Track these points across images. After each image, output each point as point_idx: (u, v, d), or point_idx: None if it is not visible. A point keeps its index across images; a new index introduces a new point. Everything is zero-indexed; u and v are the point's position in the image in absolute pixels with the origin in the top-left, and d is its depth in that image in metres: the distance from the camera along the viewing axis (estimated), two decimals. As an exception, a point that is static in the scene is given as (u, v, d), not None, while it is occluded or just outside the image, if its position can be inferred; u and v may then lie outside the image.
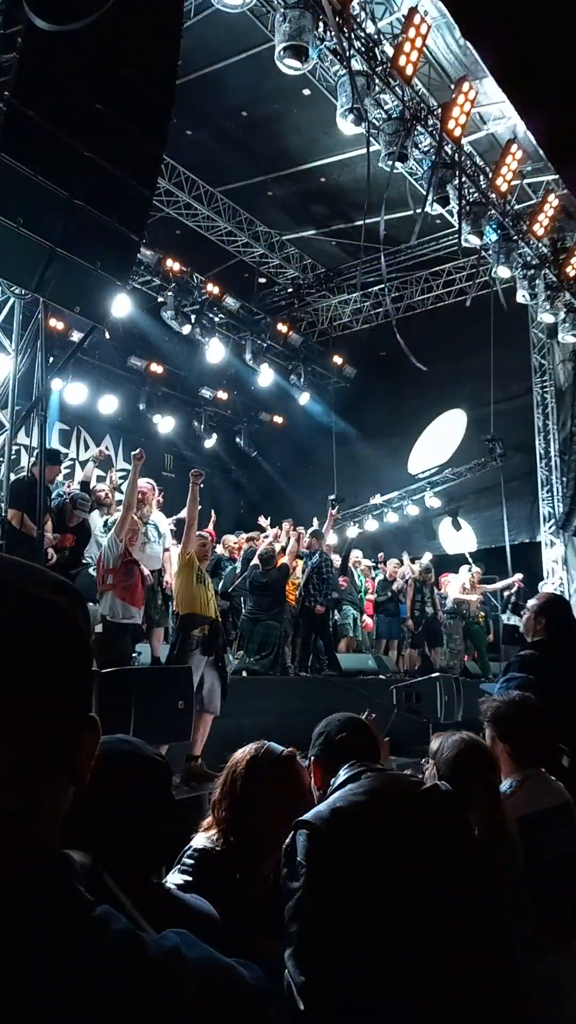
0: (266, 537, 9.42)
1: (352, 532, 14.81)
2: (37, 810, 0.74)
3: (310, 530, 10.26)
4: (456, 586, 11.75)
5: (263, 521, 11.00)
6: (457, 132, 9.67)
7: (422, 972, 1.64)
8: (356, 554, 12.00)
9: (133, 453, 6.35)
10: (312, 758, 2.01)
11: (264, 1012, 0.78)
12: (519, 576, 12.33)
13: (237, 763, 2.12)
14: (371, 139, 9.41)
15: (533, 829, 2.32)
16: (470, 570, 11.96)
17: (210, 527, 9.41)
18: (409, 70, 8.85)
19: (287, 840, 1.73)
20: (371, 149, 9.63)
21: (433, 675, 6.87)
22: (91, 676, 0.82)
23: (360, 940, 1.61)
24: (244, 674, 8.18)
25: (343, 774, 1.87)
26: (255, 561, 8.71)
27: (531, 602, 3.90)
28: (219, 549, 10.18)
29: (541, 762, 2.49)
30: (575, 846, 2.40)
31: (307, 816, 1.73)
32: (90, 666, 0.82)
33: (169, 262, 12.87)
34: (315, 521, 11.13)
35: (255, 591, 8.56)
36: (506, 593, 12.45)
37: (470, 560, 12.66)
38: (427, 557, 12.16)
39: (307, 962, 1.59)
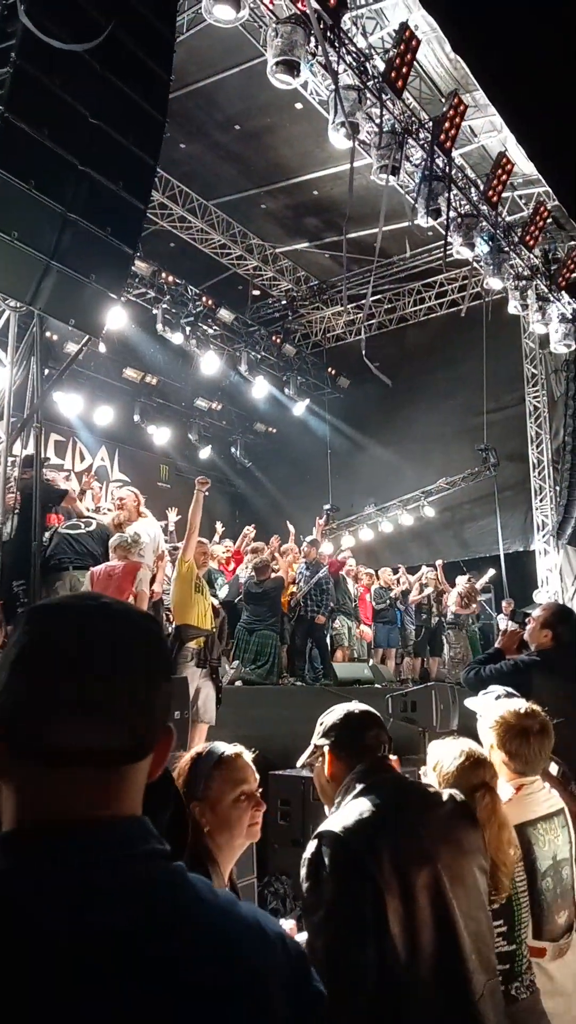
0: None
1: (347, 541, 14.82)
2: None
3: (307, 539, 10.29)
4: (454, 598, 11.79)
5: (249, 530, 11.11)
6: (448, 145, 9.77)
7: (453, 982, 1.62)
8: (351, 562, 12.00)
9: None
10: (327, 748, 1.93)
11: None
12: (491, 571, 12.65)
13: (182, 766, 2.09)
14: (364, 152, 9.51)
15: (530, 836, 2.34)
16: (468, 580, 11.99)
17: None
18: (400, 84, 8.94)
19: (310, 850, 1.67)
20: (363, 163, 9.73)
21: (429, 683, 6.87)
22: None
23: (390, 952, 1.57)
24: (240, 683, 8.18)
25: (358, 780, 1.82)
26: (249, 571, 8.74)
27: (536, 611, 3.92)
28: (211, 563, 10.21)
29: (538, 771, 2.51)
30: (568, 852, 2.44)
31: (331, 826, 1.68)
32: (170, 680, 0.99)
33: (163, 274, 12.93)
34: (315, 530, 11.18)
35: (250, 601, 8.58)
36: (503, 604, 12.49)
37: (465, 570, 12.70)
38: (428, 571, 12.27)
39: (335, 977, 1.52)
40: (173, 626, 6.19)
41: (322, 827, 1.69)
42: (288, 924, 2.04)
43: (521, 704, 2.56)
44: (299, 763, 2.02)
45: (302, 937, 2.01)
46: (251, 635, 8.40)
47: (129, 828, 0.86)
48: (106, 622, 0.88)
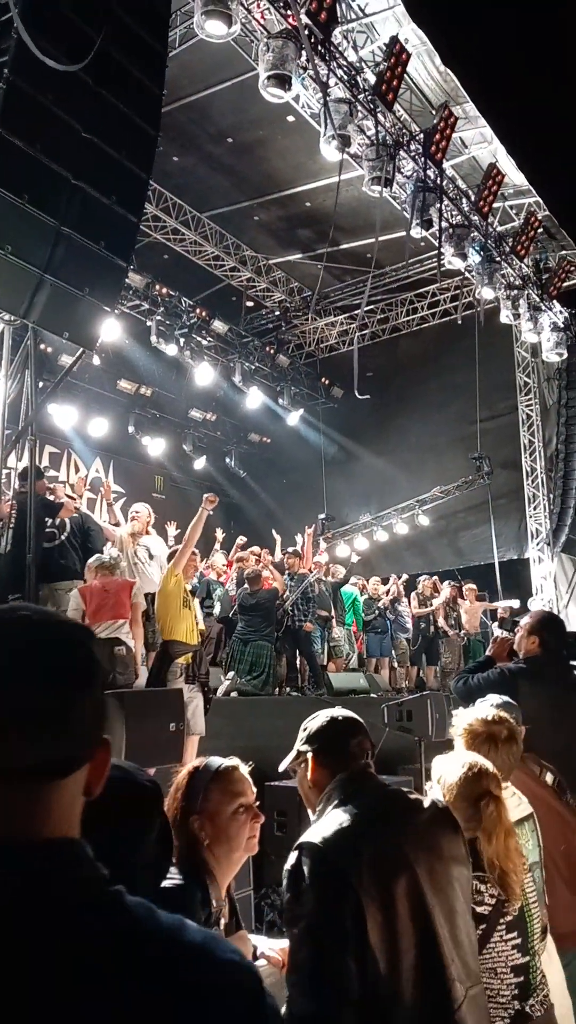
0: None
1: (343, 551, 14.84)
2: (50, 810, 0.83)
3: (289, 549, 10.27)
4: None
5: (241, 540, 11.14)
6: (439, 157, 9.85)
7: (434, 991, 1.62)
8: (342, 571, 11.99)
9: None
10: (310, 754, 1.91)
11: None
12: (513, 602, 12.51)
13: (180, 781, 2.09)
14: (356, 164, 9.59)
15: None
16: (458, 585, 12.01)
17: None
18: (390, 97, 9.02)
19: (291, 862, 1.65)
20: (355, 174, 9.80)
21: (424, 693, 6.87)
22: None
23: (371, 963, 1.56)
24: (235, 695, 8.17)
25: (340, 789, 1.81)
26: (243, 582, 8.76)
27: (524, 619, 3.93)
28: (211, 574, 10.22)
29: (508, 777, 2.53)
30: (538, 856, 2.49)
31: (311, 838, 1.66)
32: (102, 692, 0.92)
33: (157, 286, 12.98)
34: (298, 539, 11.17)
35: (244, 612, 8.58)
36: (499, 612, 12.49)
37: (459, 577, 12.71)
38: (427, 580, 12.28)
39: (318, 989, 1.54)
40: (159, 642, 6.14)
41: (302, 838, 1.68)
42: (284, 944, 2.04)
43: (489, 711, 2.58)
44: (281, 767, 2.01)
45: None
46: (246, 646, 8.39)
47: (56, 852, 0.80)
48: (19, 632, 0.84)
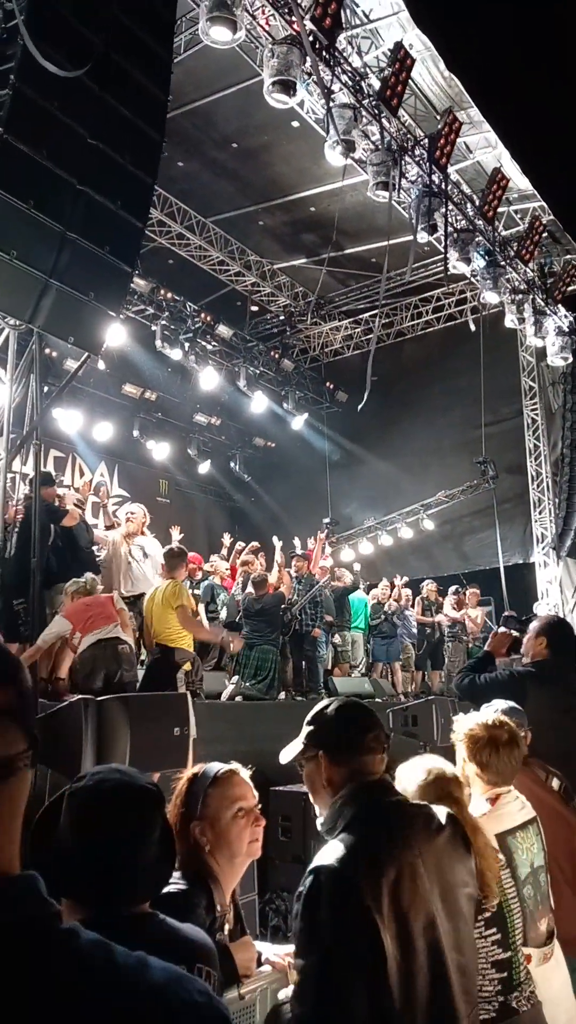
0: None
1: (347, 555, 14.83)
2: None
3: (299, 552, 10.28)
4: (448, 606, 11.83)
5: (226, 539, 11.15)
6: (443, 161, 9.86)
7: (444, 1020, 1.60)
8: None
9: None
10: (323, 752, 1.80)
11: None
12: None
13: (180, 787, 2.07)
14: (360, 169, 9.60)
15: (510, 845, 2.37)
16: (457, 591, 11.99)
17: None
18: (395, 102, 9.04)
19: (306, 886, 1.57)
20: (359, 180, 9.82)
21: (429, 698, 6.86)
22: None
23: (386, 996, 1.51)
24: (239, 699, 8.15)
25: (353, 800, 1.72)
26: (249, 587, 8.74)
27: (533, 623, 3.92)
28: (213, 578, 10.21)
29: (510, 781, 2.53)
30: (544, 860, 2.48)
31: (327, 861, 1.58)
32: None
33: (162, 291, 13.02)
34: (306, 543, 11.18)
35: (250, 616, 8.57)
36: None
37: (464, 582, 12.68)
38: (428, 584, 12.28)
39: (334, 1014, 1.49)
40: (156, 648, 6.18)
41: (319, 861, 1.60)
42: (290, 948, 2.04)
43: (489, 716, 2.58)
44: (285, 758, 1.91)
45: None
46: (251, 650, 8.37)
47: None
48: None
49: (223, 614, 9.75)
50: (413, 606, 11.86)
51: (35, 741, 0.79)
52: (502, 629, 4.09)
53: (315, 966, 1.51)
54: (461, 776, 2.52)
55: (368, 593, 11.57)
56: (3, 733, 0.77)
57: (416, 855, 1.66)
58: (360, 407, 9.48)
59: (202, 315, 13.84)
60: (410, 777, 2.20)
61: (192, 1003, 0.76)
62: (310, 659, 9.33)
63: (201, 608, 9.41)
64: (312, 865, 1.59)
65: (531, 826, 2.48)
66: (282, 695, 8.91)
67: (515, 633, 3.94)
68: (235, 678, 8.51)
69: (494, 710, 2.70)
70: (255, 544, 10.90)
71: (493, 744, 2.47)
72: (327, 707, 1.89)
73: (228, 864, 2.01)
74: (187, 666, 6.00)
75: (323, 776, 1.79)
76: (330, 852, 1.61)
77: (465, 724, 2.57)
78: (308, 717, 1.89)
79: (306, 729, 1.87)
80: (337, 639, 10.51)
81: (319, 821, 1.79)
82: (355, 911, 1.51)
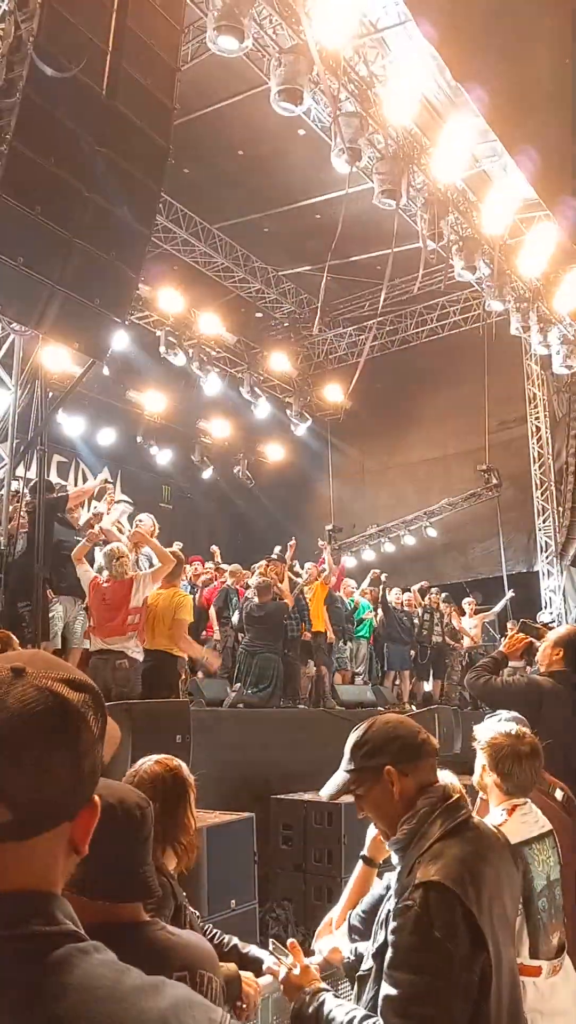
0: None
1: (350, 562, 14.81)
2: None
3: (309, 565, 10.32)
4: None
5: (215, 549, 11.15)
6: (449, 170, 9.88)
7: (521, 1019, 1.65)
8: (350, 582, 11.96)
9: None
10: (390, 766, 1.73)
11: None
12: (510, 593, 12.42)
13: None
14: (366, 177, 9.62)
15: (527, 856, 2.35)
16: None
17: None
18: (401, 111, 9.05)
19: (416, 901, 1.53)
20: (365, 187, 9.84)
21: (432, 707, 6.85)
22: (99, 763, 0.86)
23: (483, 1018, 1.52)
24: (241, 706, 8.13)
25: (439, 809, 1.68)
26: (249, 593, 8.73)
27: (551, 633, 3.93)
28: (228, 580, 10.19)
29: (528, 792, 2.52)
30: (560, 873, 2.46)
31: (445, 879, 1.54)
32: (99, 756, 0.87)
33: (166, 297, 13.05)
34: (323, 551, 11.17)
35: (252, 623, 8.54)
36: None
37: (468, 592, 12.68)
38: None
39: None
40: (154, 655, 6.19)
41: (427, 876, 1.56)
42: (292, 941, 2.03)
43: (512, 726, 2.57)
44: (328, 792, 1.85)
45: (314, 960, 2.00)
46: (252, 658, 8.35)
47: (8, 905, 0.76)
48: None
49: (236, 617, 9.72)
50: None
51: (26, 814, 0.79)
52: (519, 634, 4.08)
53: (427, 984, 1.49)
54: (478, 785, 2.55)
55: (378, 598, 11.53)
56: None
57: (495, 871, 1.65)
58: (341, 417, 9.49)
59: (207, 321, 13.88)
60: None
61: None
62: (293, 667, 9.36)
63: (213, 612, 9.45)
64: (419, 880, 1.56)
65: (547, 839, 2.46)
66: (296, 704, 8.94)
67: (533, 640, 3.93)
68: (237, 685, 8.50)
69: (498, 719, 2.68)
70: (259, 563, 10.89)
71: (515, 755, 2.46)
72: (371, 726, 1.83)
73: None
74: (183, 674, 6.02)
75: (395, 791, 1.72)
76: (436, 867, 1.58)
77: (487, 732, 2.56)
78: (352, 742, 1.83)
79: (356, 753, 1.80)
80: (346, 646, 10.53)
81: (392, 840, 1.72)
82: (467, 929, 1.51)
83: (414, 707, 9.50)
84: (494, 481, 14.48)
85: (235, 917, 4.26)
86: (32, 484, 6.61)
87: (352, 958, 2.04)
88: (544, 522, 14.47)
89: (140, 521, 7.89)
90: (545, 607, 13.96)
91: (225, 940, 2.30)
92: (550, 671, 3.69)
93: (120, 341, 11.40)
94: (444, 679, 11.51)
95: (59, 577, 6.93)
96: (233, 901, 4.35)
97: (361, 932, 2.04)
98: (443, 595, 12.00)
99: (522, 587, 14.06)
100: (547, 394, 14.77)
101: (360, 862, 2.26)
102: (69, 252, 5.32)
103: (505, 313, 12.31)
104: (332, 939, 2.18)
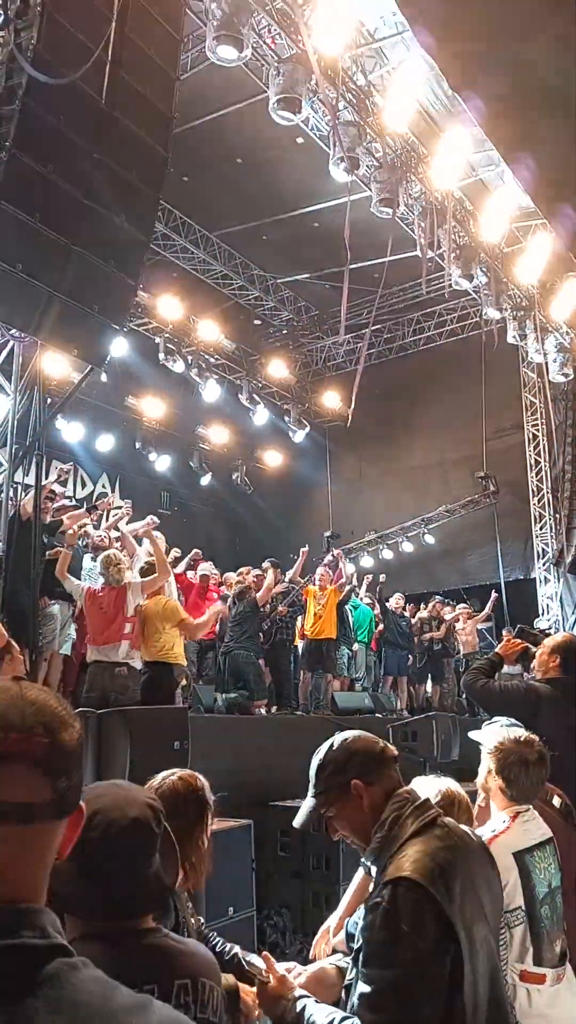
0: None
1: (348, 569, 14.79)
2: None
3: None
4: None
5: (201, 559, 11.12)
6: (447, 179, 9.93)
7: (503, 1012, 1.65)
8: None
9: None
10: (356, 780, 1.76)
11: None
12: (494, 594, 12.42)
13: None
14: (364, 185, 9.67)
15: (528, 863, 2.35)
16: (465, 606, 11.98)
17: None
18: (399, 120, 9.10)
19: (386, 898, 1.54)
20: (363, 196, 9.88)
21: (429, 713, 6.84)
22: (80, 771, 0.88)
23: (458, 1013, 1.51)
24: (221, 706, 8.05)
25: (407, 810, 1.70)
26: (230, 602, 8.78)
27: (547, 640, 3.93)
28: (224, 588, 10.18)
29: (532, 800, 2.52)
30: (560, 880, 2.45)
31: (406, 872, 1.56)
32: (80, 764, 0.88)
33: (166, 304, 13.08)
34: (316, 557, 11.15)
35: (227, 625, 8.57)
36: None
37: (466, 598, 12.68)
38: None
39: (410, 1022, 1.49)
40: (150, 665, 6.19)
41: (395, 872, 1.58)
42: (289, 965, 2.02)
43: (520, 732, 2.57)
44: (300, 821, 1.87)
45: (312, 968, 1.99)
46: (226, 657, 8.32)
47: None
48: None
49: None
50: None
51: (63, 796, 0.81)
52: (516, 639, 4.07)
53: (397, 977, 1.50)
54: (481, 787, 2.55)
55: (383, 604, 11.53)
56: (26, 780, 0.78)
57: (467, 865, 1.66)
58: (347, 424, 9.51)
59: (205, 328, 13.91)
60: (423, 793, 2.20)
61: None
62: (280, 671, 9.37)
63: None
64: (388, 877, 1.58)
65: (548, 846, 2.45)
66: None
67: (529, 645, 3.93)
68: (219, 693, 8.45)
69: (499, 725, 2.69)
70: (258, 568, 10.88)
71: (523, 761, 2.46)
72: (330, 747, 1.86)
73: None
74: (183, 681, 6.02)
75: (364, 803, 1.75)
76: (404, 864, 1.59)
77: (494, 737, 2.55)
78: (315, 766, 1.86)
79: (321, 775, 1.84)
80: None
81: (368, 850, 1.73)
82: (436, 921, 1.51)
83: (407, 713, 9.48)
84: (491, 488, 14.49)
85: (233, 924, 4.25)
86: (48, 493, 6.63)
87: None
88: (541, 529, 14.48)
89: (154, 520, 7.87)
90: (542, 614, 13.96)
91: (227, 948, 2.30)
92: (547, 678, 3.70)
93: (119, 348, 11.42)
94: (442, 684, 11.51)
95: (54, 582, 6.95)
96: (231, 908, 4.35)
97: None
98: (461, 605, 11.99)
99: (519, 594, 14.07)
100: (544, 402, 14.79)
101: (360, 869, 2.26)
102: (68, 259, 5.34)
103: (502, 321, 12.35)
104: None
